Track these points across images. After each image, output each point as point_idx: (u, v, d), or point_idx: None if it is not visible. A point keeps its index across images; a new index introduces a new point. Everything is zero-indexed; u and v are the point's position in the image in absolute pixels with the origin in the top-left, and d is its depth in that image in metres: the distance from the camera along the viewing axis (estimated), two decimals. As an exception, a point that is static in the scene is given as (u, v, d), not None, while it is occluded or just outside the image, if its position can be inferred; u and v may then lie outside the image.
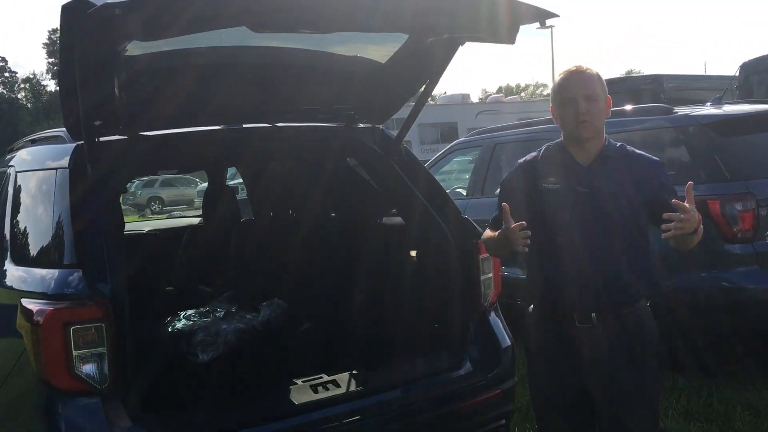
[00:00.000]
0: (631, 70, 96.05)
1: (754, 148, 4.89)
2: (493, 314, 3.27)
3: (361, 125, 3.60)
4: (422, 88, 3.36)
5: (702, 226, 2.40)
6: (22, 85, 59.45)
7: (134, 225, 7.20)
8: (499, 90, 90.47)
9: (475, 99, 31.80)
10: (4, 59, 59.21)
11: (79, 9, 2.15)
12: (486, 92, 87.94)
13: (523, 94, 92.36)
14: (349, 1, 2.60)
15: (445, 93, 32.76)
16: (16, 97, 57.62)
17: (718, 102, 5.59)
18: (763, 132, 5.00)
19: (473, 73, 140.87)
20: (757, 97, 11.92)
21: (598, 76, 2.52)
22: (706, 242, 4.52)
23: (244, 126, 3.37)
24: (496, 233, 2.57)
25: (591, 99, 2.47)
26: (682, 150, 4.98)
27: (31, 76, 59.98)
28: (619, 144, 2.63)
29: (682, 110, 5.20)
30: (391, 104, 3.51)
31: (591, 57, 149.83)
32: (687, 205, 2.28)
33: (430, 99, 3.80)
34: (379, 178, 3.51)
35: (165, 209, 26.76)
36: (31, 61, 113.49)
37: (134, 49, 2.57)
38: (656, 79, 14.79)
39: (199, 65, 3.03)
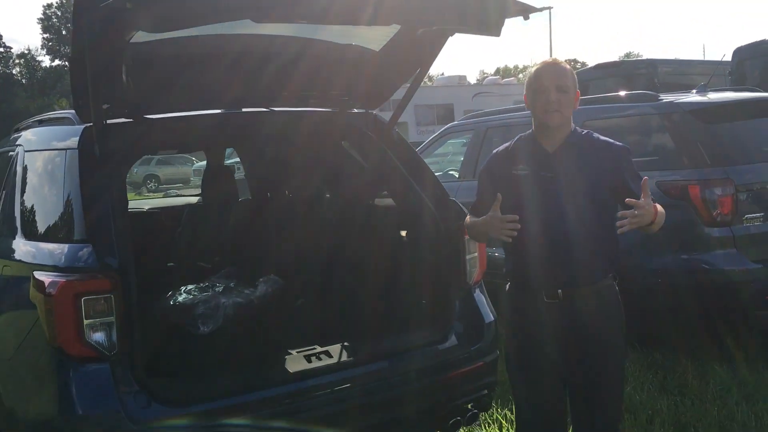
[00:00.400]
0: (630, 53, 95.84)
1: (734, 135, 5.06)
2: (477, 291, 3.45)
3: (356, 110, 3.77)
4: (413, 76, 3.51)
5: (661, 215, 2.58)
6: (17, 61, 59.05)
7: (133, 203, 7.34)
8: (497, 71, 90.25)
9: (472, 80, 31.83)
10: (-2, 34, 58.85)
11: (90, 3, 2.30)
12: (484, 73, 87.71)
13: (521, 75, 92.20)
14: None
15: (442, 74, 32.76)
16: (11, 72, 57.25)
17: (703, 89, 5.74)
18: (743, 120, 5.18)
19: (472, 53, 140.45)
20: (749, 83, 12.07)
21: (571, 71, 2.69)
22: (687, 225, 4.79)
23: (243, 110, 3.53)
24: (479, 220, 2.75)
25: (562, 90, 2.63)
26: (667, 136, 5.15)
27: (26, 52, 59.56)
28: (585, 131, 2.79)
29: (667, 97, 5.36)
30: (384, 90, 3.67)
31: (590, 39, 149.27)
32: (642, 200, 2.46)
33: (427, 80, 3.96)
34: (371, 161, 3.68)
35: (161, 187, 26.83)
36: (26, 36, 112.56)
37: (140, 36, 2.73)
38: (650, 64, 14.90)
39: (201, 53, 3.18)
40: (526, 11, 2.75)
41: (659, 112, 5.19)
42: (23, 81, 57.91)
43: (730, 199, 4.69)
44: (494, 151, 2.94)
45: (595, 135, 2.81)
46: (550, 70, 2.67)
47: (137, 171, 28.30)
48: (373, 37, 3.40)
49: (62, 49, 55.61)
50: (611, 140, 2.81)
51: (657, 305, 4.90)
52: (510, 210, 2.66)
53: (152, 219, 5.17)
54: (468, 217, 2.90)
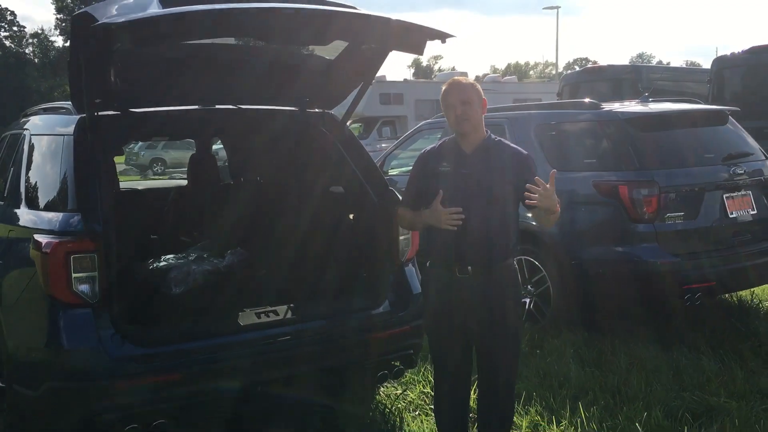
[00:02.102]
0: (643, 53, 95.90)
1: (662, 142, 5.64)
2: (410, 267, 4.06)
3: (316, 110, 4.39)
4: (362, 83, 4.14)
5: (559, 210, 3.13)
6: (30, 40, 59.71)
7: (132, 184, 7.98)
8: (508, 68, 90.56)
9: (472, 78, 32.33)
10: (12, 13, 59.31)
11: (85, 20, 2.94)
12: (495, 69, 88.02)
13: (532, 72, 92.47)
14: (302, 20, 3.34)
15: (440, 70, 33.21)
16: (24, 51, 57.92)
17: (645, 99, 6.32)
18: (672, 129, 5.76)
19: (484, 50, 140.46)
20: (728, 91, 12.60)
21: (472, 85, 3.26)
22: (617, 221, 5.39)
23: (216, 107, 4.16)
24: (419, 212, 3.29)
25: (466, 103, 3.20)
26: (604, 141, 5.73)
27: (40, 32, 60.23)
28: (497, 138, 3.38)
29: (608, 106, 5.93)
30: (339, 93, 4.29)
31: (604, 38, 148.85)
32: (548, 186, 3.02)
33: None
34: (325, 154, 4.29)
35: (167, 171, 27.46)
36: (40, 15, 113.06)
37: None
38: (635, 70, 15.47)
39: (180, 58, 3.80)
40: (441, 36, 3.36)
41: (599, 120, 5.76)
42: (36, 61, 58.57)
43: (655, 199, 5.26)
44: (424, 150, 3.54)
45: (506, 141, 3.41)
46: (453, 89, 3.24)
47: (144, 154, 28.92)
48: (329, 49, 4.02)
49: (75, 30, 55.95)
50: (518, 148, 3.39)
51: (591, 292, 5.49)
52: (434, 199, 3.25)
53: (144, 197, 5.81)
54: (400, 208, 3.49)
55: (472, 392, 3.60)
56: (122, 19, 2.80)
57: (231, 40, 3.76)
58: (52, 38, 59.79)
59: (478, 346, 3.40)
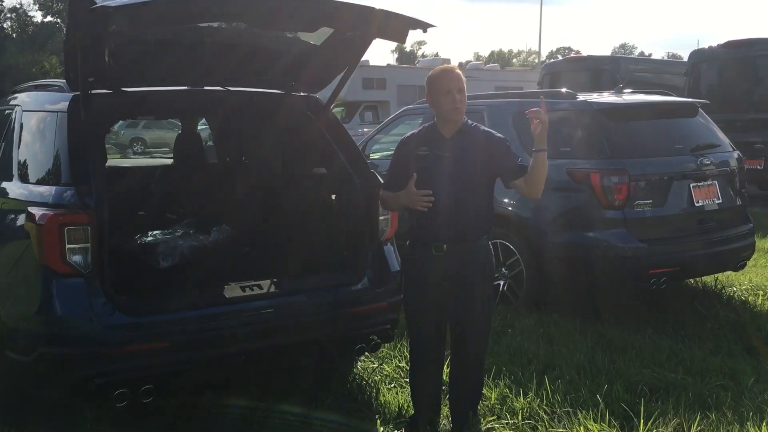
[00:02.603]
0: (625, 44, 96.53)
1: (634, 132, 5.87)
2: (389, 246, 4.25)
3: (301, 93, 4.54)
4: (347, 68, 4.31)
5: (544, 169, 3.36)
6: (8, 15, 58.66)
7: (116, 161, 8.05)
8: (492, 55, 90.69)
9: (455, 64, 32.52)
10: (-11, -13, 58.31)
11: (82, 2, 3.07)
12: (479, 56, 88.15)
13: (515, 60, 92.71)
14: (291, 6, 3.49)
15: (423, 56, 33.34)
16: (2, 26, 56.93)
17: (619, 90, 6.54)
18: (644, 119, 5.99)
19: (467, 37, 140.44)
20: (703, 84, 12.91)
21: (461, 74, 3.43)
22: (589, 207, 5.61)
23: (205, 88, 4.30)
24: (395, 195, 3.48)
25: (462, 91, 3.40)
26: (579, 130, 5.94)
27: (18, 6, 59.29)
28: (473, 123, 3.57)
29: (583, 96, 6.14)
30: (323, 78, 4.45)
31: (584, 28, 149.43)
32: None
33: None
34: (310, 136, 4.45)
35: (147, 150, 27.37)
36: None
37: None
38: (614, 61, 15.75)
39: (171, 40, 3.94)
40: (423, 26, 3.54)
41: (575, 109, 5.97)
42: (14, 36, 57.60)
43: (625, 187, 5.49)
44: (404, 136, 3.72)
45: (482, 126, 3.60)
46: (451, 76, 3.40)
47: (124, 133, 28.74)
48: (315, 35, 4.17)
49: (55, 5, 55.19)
50: (493, 131, 3.58)
51: (562, 275, 5.72)
52: (415, 182, 3.44)
53: (132, 175, 5.94)
54: (382, 191, 3.67)
55: (444, 366, 3.81)
56: (120, 3, 2.94)
57: (222, 24, 3.91)
58: (31, 13, 58.82)
59: (451, 321, 3.60)
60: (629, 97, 6.35)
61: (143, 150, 27.71)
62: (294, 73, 4.38)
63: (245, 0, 3.25)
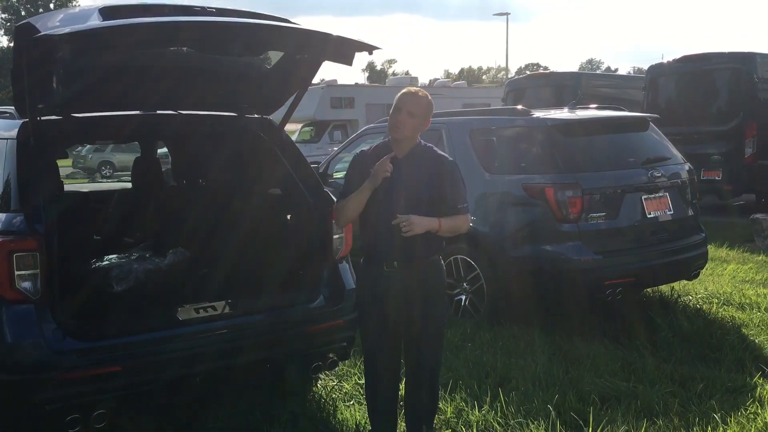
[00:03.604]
0: (592, 59, 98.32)
1: (586, 147, 6.01)
2: (344, 264, 4.30)
3: (255, 115, 4.59)
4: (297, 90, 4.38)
5: (451, 226, 3.43)
6: (-25, 40, 58.08)
7: (77, 186, 7.98)
8: (461, 72, 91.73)
9: (424, 82, 32.84)
10: (-45, 13, 57.69)
11: (27, 31, 3.11)
12: (449, 74, 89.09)
13: (485, 77, 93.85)
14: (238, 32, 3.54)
15: (394, 74, 33.64)
16: (-33, 51, 56.31)
17: (573, 106, 6.70)
18: (595, 134, 6.14)
19: (437, 55, 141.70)
20: (661, 98, 13.22)
21: (427, 101, 3.47)
22: (544, 221, 5.72)
23: (157, 112, 4.34)
24: (356, 191, 3.47)
25: (411, 114, 3.42)
26: (533, 146, 6.07)
27: (-16, 32, 58.60)
28: (428, 145, 3.61)
29: (538, 113, 6.27)
30: (276, 100, 4.51)
31: (551, 45, 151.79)
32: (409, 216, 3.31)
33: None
34: (263, 158, 4.50)
35: (116, 174, 27.15)
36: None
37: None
38: (575, 77, 16.07)
39: (122, 65, 3.97)
40: (369, 48, 3.62)
41: (529, 125, 6.10)
42: (-21, 61, 56.89)
43: (578, 200, 5.61)
44: (359, 150, 3.77)
45: (435, 149, 3.61)
46: (408, 97, 3.45)
47: (92, 157, 28.52)
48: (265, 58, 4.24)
49: (21, 30, 54.52)
50: (445, 155, 3.62)
51: (521, 288, 5.81)
52: (367, 199, 3.48)
53: (89, 199, 5.92)
54: (340, 200, 3.70)
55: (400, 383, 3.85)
56: (63, 31, 2.98)
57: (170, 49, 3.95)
58: (-3, 39, 58.28)
59: (406, 337, 3.64)
60: (581, 112, 6.51)
61: (112, 173, 27.48)
62: (246, 95, 4.44)
63: (191, 26, 3.30)
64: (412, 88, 3.58)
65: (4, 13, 57.93)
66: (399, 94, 3.47)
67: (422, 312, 3.56)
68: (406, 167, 3.50)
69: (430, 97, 3.52)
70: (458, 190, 3.50)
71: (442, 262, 3.68)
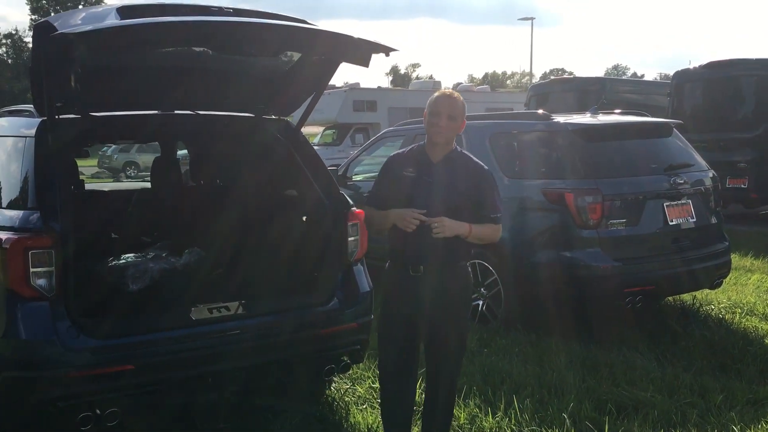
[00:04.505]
0: (618, 65, 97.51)
1: (607, 152, 5.93)
2: (358, 266, 4.27)
3: (272, 116, 4.59)
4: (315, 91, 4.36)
5: (482, 233, 3.37)
6: (4, 41, 59.07)
7: (99, 185, 8.05)
8: (485, 77, 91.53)
9: (447, 86, 32.76)
10: (-14, 13, 58.74)
11: (45, 29, 3.13)
12: (473, 78, 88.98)
13: (509, 81, 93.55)
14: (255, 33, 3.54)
15: (417, 78, 33.65)
16: (-3, 52, 57.36)
17: (595, 111, 6.61)
18: (616, 140, 6.06)
19: (462, 59, 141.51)
20: (687, 103, 13.05)
21: (462, 102, 3.41)
22: (564, 227, 5.65)
23: (175, 112, 4.35)
24: (383, 212, 3.41)
25: (452, 118, 3.36)
26: (554, 150, 6.01)
27: (14, 32, 59.56)
28: (463, 151, 3.54)
29: (558, 117, 6.20)
30: (293, 101, 4.51)
31: (577, 50, 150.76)
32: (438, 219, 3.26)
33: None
34: (280, 159, 4.50)
35: (140, 174, 27.41)
36: (15, 15, 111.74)
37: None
38: (599, 82, 15.90)
39: (141, 64, 3.99)
40: (386, 50, 3.60)
41: (549, 130, 6.04)
42: (9, 61, 57.93)
43: (599, 206, 5.54)
44: (393, 153, 3.72)
45: (470, 156, 3.54)
46: (446, 101, 3.37)
47: (117, 158, 28.86)
48: (284, 60, 4.23)
49: (50, 32, 55.31)
50: (480, 163, 3.52)
51: (539, 294, 5.74)
52: (398, 202, 3.41)
53: (108, 198, 5.96)
54: (366, 206, 3.63)
55: (418, 387, 3.79)
56: (79, 30, 2.99)
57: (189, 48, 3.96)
58: (26, 39, 59.14)
59: (426, 342, 3.57)
60: (603, 117, 6.42)
61: (136, 174, 27.75)
62: (264, 96, 4.44)
63: (209, 26, 3.30)
64: (446, 91, 3.51)
65: (34, 14, 58.85)
66: (434, 98, 3.41)
67: (445, 318, 3.48)
68: (440, 172, 3.43)
69: (462, 99, 3.48)
70: (494, 200, 3.45)
71: (470, 269, 3.61)
